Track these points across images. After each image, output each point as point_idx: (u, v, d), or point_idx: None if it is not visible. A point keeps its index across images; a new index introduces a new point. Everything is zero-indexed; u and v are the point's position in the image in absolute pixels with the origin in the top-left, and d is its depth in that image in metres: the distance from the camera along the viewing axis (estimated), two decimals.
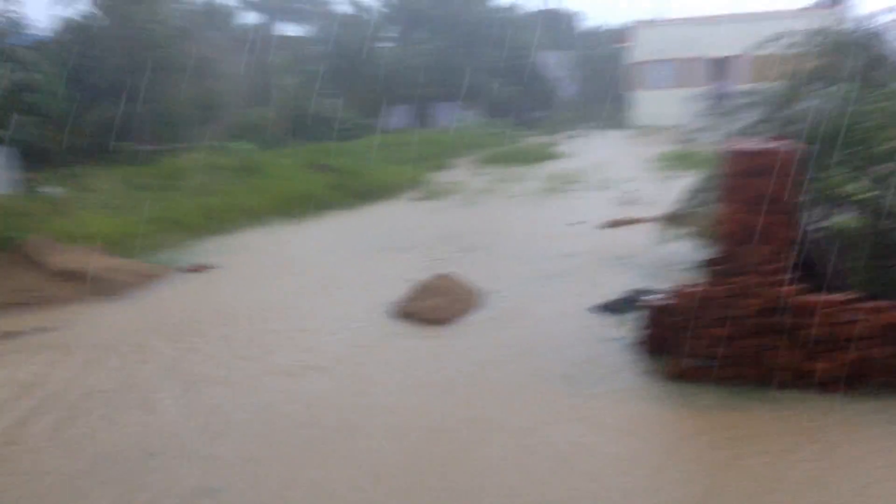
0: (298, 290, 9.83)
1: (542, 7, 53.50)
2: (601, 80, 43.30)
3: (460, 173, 20.79)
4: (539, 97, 40.11)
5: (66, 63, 21.81)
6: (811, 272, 6.01)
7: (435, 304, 8.35)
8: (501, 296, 8.95)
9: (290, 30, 40.35)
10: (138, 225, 12.83)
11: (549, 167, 21.16)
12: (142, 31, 22.60)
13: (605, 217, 13.29)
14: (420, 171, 19.89)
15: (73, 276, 9.78)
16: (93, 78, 21.78)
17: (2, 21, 27.86)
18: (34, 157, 19.43)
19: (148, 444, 5.44)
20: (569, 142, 28.53)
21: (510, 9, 42.11)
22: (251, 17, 39.23)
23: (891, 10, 9.30)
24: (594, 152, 24.34)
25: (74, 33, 23.51)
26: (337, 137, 24.20)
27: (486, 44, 36.95)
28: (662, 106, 32.20)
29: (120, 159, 19.71)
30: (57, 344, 7.91)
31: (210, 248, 12.41)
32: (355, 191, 16.91)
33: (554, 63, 43.38)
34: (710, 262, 6.15)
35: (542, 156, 24.04)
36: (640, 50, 36.30)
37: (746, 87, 11.86)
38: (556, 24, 50.90)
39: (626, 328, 7.26)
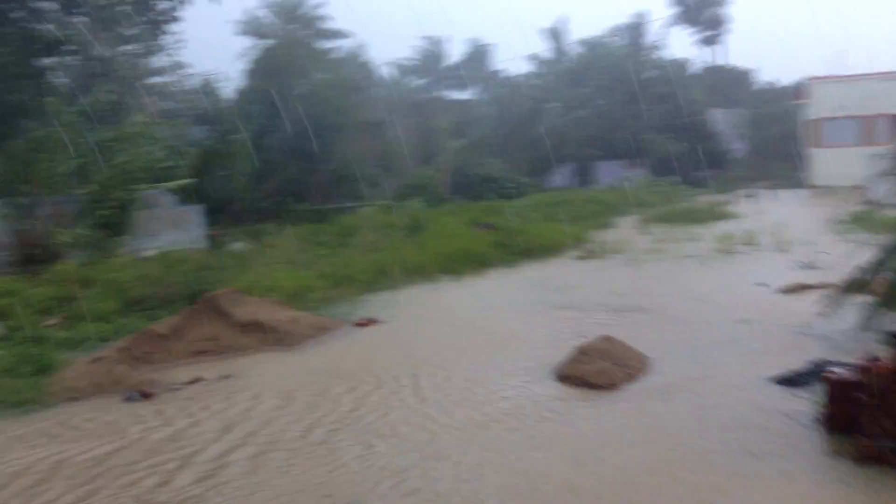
0: (462, 346, 9.98)
1: (712, 63, 52.44)
2: (775, 137, 41.73)
3: (625, 232, 20.51)
4: (709, 155, 38.99)
5: (251, 126, 23.57)
6: None
7: (599, 368, 8.20)
8: (670, 362, 8.66)
9: (456, 94, 41.78)
10: (314, 279, 13.57)
11: (721, 227, 20.44)
12: (319, 95, 24.09)
13: (782, 281, 12.67)
14: (583, 230, 19.81)
15: (255, 327, 10.43)
16: (273, 139, 23.35)
17: (201, 84, 30.58)
18: (221, 215, 21.08)
19: (325, 489, 5.66)
20: (741, 201, 27.51)
21: (678, 66, 41.56)
22: (419, 82, 40.98)
23: None
24: (769, 213, 23.30)
25: (255, 99, 25.37)
26: (500, 196, 24.66)
27: (653, 101, 36.62)
28: (842, 165, 30.48)
29: (298, 217, 20.96)
30: (240, 390, 8.43)
31: (378, 303, 12.85)
32: (517, 248, 17.06)
33: (724, 120, 42.25)
34: None
35: (712, 215, 23.34)
36: (818, 106, 34.67)
37: None
38: (727, 81, 49.73)
39: (806, 403, 6.83)
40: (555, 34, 37.87)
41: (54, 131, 18.14)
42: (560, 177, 34.31)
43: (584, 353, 8.53)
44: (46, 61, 24.10)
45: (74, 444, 6.88)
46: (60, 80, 24.45)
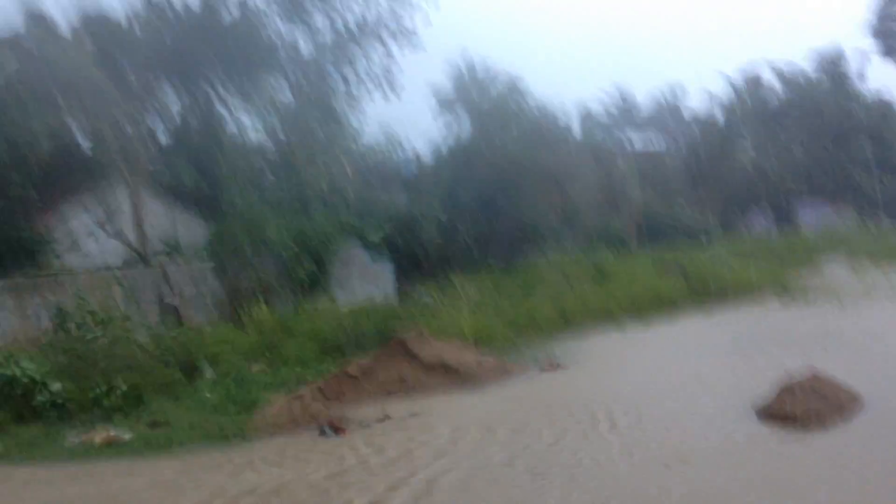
0: (655, 387, 9.57)
1: None
2: None
3: (831, 274, 19.00)
4: None
5: (441, 186, 24.38)
6: None
7: (806, 406, 7.52)
8: (887, 401, 7.81)
9: (645, 140, 40.94)
10: (498, 325, 13.62)
11: None
12: (506, 152, 24.51)
13: None
14: (783, 273, 18.57)
15: (440, 368, 10.60)
16: (462, 196, 23.94)
17: (395, 154, 32.18)
18: (412, 270, 21.85)
19: None
20: None
21: (886, 100, 38.50)
22: (607, 131, 40.53)
23: None
24: None
25: (446, 160, 26.31)
26: (691, 242, 23.81)
27: (859, 138, 34.15)
28: None
29: (485, 267, 21.27)
30: (426, 426, 8.56)
31: (563, 348, 12.62)
32: (710, 293, 16.26)
33: None
34: None
35: None
36: None
37: None
38: None
39: None
40: (749, 73, 36.29)
41: (260, 204, 19.88)
42: (757, 220, 32.52)
43: (788, 390, 7.87)
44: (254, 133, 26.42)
45: (267, 473, 7.25)
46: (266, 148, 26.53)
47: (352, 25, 29.65)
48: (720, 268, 18.28)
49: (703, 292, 16.30)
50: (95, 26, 24.59)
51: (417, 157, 28.83)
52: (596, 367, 11.21)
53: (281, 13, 29.06)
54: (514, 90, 28.33)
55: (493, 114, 26.35)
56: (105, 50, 22.70)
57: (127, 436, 9.22)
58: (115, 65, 21.59)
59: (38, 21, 20.65)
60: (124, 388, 10.50)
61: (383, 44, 30.21)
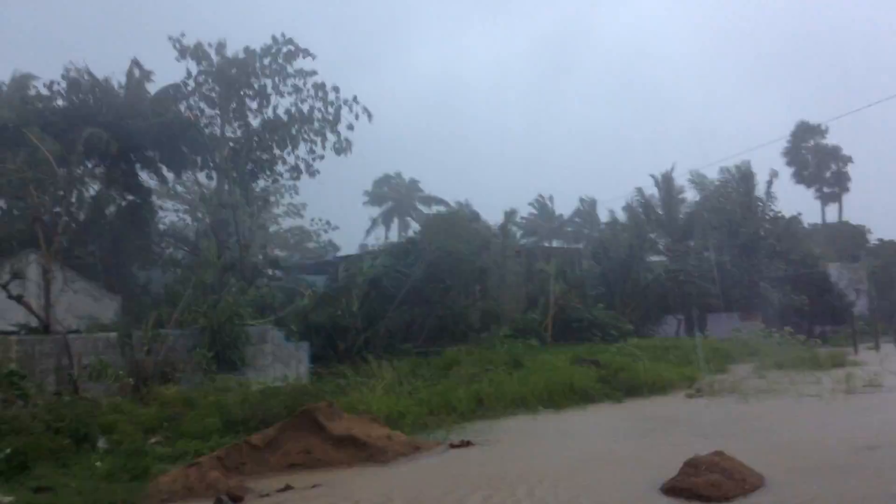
0: (565, 465, 9.60)
1: (830, 218, 51.70)
2: None
3: (738, 376, 19.50)
4: (827, 309, 37.35)
5: (365, 272, 24.37)
6: None
7: (709, 481, 7.69)
8: (787, 482, 8.03)
9: (562, 241, 42.14)
10: (410, 406, 13.41)
11: (838, 374, 19.24)
12: (434, 248, 24.76)
13: None
14: (694, 372, 19.00)
15: (348, 442, 10.31)
16: (387, 284, 23.88)
17: (320, 245, 32.29)
18: (330, 351, 21.57)
19: None
20: (861, 352, 25.99)
21: (794, 219, 40.73)
22: (530, 233, 41.64)
23: None
24: (891, 361, 21.84)
25: (371, 249, 26.51)
26: (604, 340, 24.29)
27: (767, 253, 35.84)
28: None
29: (405, 353, 21.13)
30: (327, 498, 8.26)
31: (476, 430, 12.50)
32: (623, 386, 16.48)
33: (842, 275, 40.75)
34: None
35: (832, 363, 22.00)
36: None
37: None
38: (845, 236, 48.60)
39: None
40: (664, 181, 37.85)
41: (173, 281, 19.43)
42: (668, 326, 33.28)
43: (693, 466, 8.05)
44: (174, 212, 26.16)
45: None
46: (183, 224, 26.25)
47: (281, 114, 30.22)
48: (632, 364, 18.57)
49: (616, 385, 16.49)
50: (18, 98, 24.35)
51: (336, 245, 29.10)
52: (507, 446, 11.12)
53: (208, 98, 29.40)
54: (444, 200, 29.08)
55: (425, 216, 26.87)
56: (25, 120, 22.39)
57: (7, 500, 8.61)
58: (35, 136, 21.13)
59: None
60: (8, 451, 9.87)
61: (313, 135, 30.82)
